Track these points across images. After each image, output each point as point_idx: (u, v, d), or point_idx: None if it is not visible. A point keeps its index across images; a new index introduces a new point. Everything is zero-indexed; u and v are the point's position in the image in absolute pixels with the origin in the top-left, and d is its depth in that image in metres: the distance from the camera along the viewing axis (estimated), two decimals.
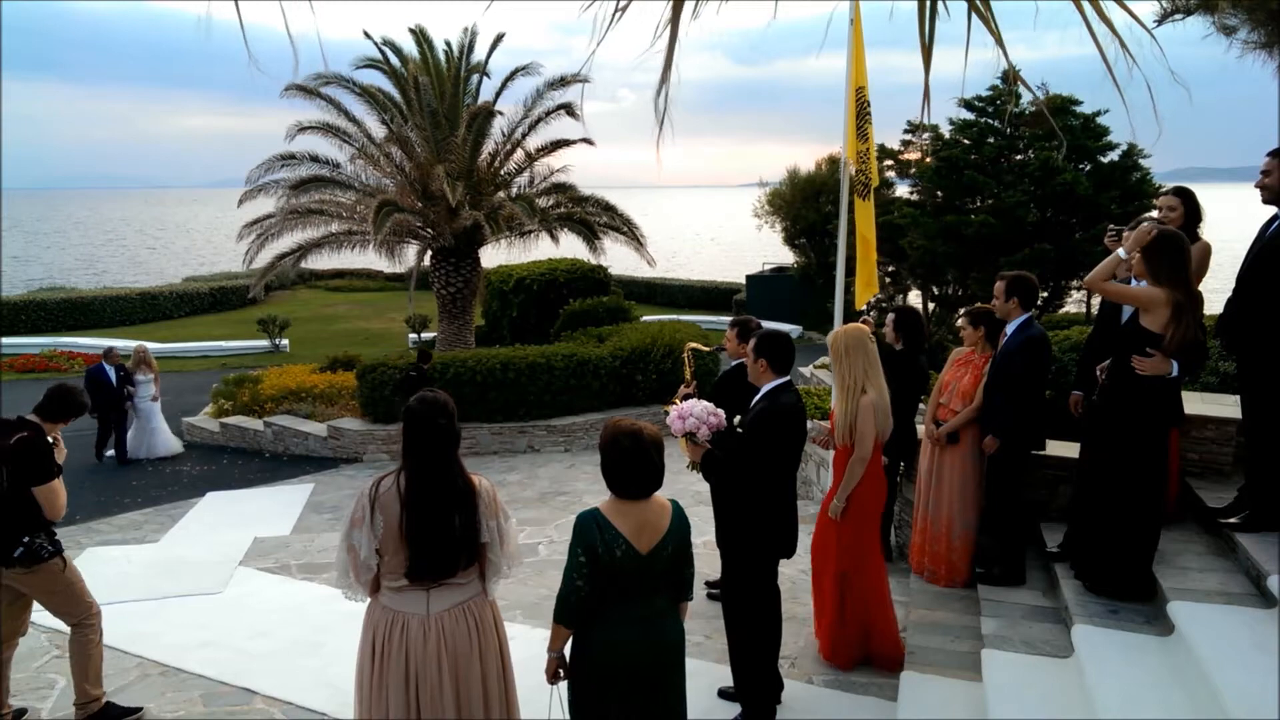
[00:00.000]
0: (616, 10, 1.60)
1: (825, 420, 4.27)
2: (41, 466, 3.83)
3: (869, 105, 6.33)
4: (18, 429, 3.85)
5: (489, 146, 15.50)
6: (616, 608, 2.79)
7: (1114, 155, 18.84)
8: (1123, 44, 1.43)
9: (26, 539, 3.90)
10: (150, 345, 21.61)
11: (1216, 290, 4.36)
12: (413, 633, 2.87)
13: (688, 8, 1.64)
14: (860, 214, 6.22)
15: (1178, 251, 3.67)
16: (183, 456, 12.08)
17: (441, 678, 2.87)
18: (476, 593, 3.02)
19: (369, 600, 3.00)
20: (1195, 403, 5.22)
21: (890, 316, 5.41)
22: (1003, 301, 4.54)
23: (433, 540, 2.85)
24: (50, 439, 3.93)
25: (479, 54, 15.87)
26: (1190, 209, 4.42)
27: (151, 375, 12.02)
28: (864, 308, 6.29)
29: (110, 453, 11.67)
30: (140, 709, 4.27)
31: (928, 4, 1.51)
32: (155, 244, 77.33)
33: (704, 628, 4.89)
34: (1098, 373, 4.20)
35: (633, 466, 2.77)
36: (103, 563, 7.19)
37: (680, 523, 2.88)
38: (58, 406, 3.99)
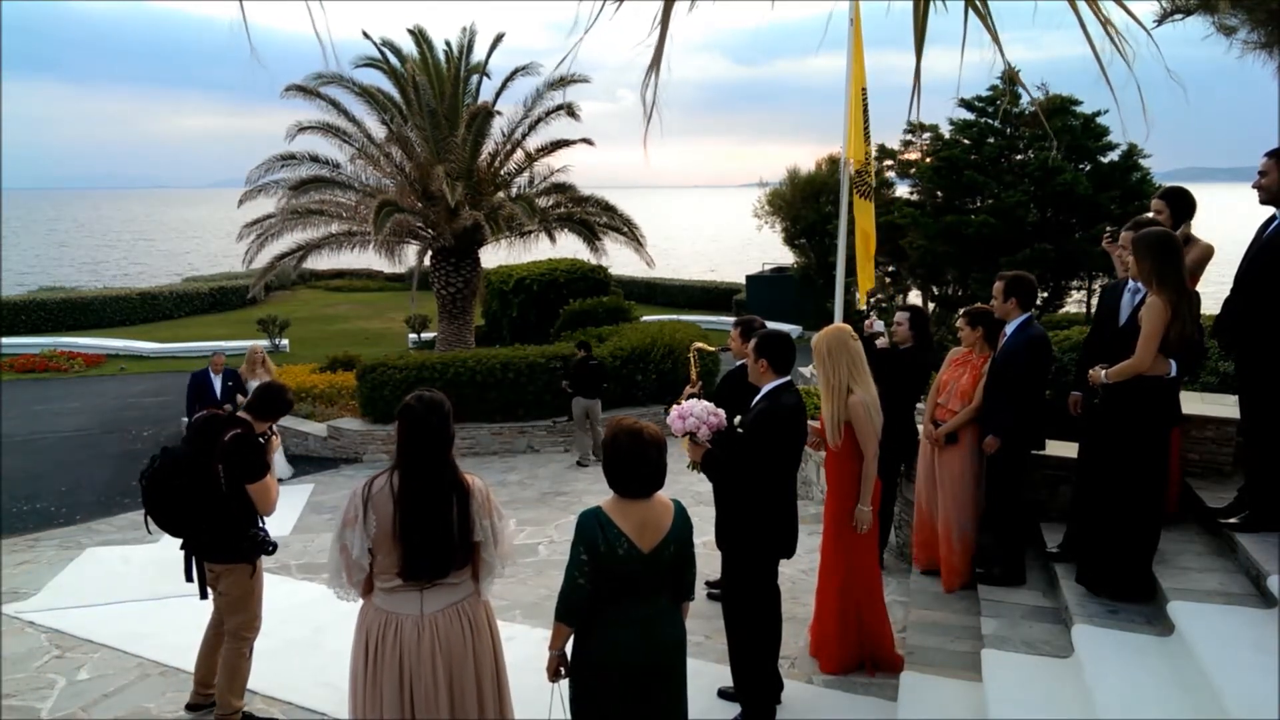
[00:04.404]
0: (604, 3, 1.59)
1: (814, 422, 4.26)
2: (255, 463, 3.86)
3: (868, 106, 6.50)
4: (231, 425, 3.89)
5: (489, 147, 15.52)
6: (618, 607, 2.78)
7: (1114, 155, 18.88)
8: (1116, 44, 1.43)
9: (252, 531, 3.96)
10: (149, 345, 21.63)
11: (1215, 290, 4.35)
12: (407, 634, 2.86)
13: (681, 5, 1.64)
14: (865, 212, 6.45)
15: (1171, 250, 3.67)
16: None
17: (436, 678, 2.86)
18: (469, 593, 3.00)
19: (362, 601, 3.00)
20: (1195, 403, 5.22)
21: (905, 315, 5.41)
22: (1001, 301, 4.53)
23: (426, 539, 2.83)
24: (262, 435, 3.96)
25: (478, 54, 15.90)
26: (1176, 209, 4.40)
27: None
28: (864, 308, 6.42)
29: None
30: None
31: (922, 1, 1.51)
32: (158, 245, 77.29)
33: (704, 628, 4.89)
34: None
35: (632, 465, 2.77)
36: (102, 563, 7.20)
37: (683, 523, 2.88)
38: (266, 404, 4.04)
